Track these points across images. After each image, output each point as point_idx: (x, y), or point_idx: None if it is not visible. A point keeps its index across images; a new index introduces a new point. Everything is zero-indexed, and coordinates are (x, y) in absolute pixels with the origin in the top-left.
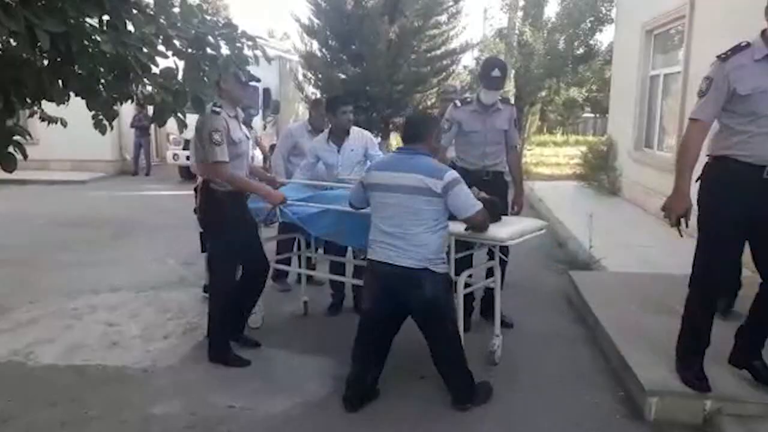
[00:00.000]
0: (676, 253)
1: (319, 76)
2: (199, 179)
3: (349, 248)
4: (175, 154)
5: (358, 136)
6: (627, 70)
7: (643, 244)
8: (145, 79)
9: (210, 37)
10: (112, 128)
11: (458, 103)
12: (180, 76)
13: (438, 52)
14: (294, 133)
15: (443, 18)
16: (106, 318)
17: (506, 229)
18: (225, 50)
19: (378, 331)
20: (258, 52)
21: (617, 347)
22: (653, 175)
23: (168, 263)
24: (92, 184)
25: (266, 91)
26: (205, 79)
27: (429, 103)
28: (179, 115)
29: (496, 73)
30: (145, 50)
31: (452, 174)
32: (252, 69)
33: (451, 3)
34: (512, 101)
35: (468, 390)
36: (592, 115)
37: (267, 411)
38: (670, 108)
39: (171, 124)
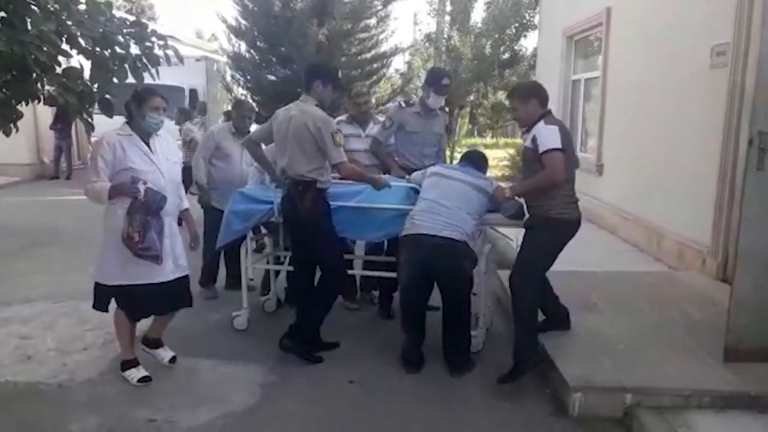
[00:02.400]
0: (594, 251)
1: (248, 77)
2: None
3: None
4: None
5: None
6: (550, 75)
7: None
8: (46, 80)
9: (119, 36)
10: (17, 129)
11: (403, 104)
12: (87, 77)
13: (368, 55)
14: (217, 135)
15: (372, 21)
16: (19, 331)
17: None
18: (135, 50)
19: (417, 301)
20: (170, 52)
21: (543, 345)
22: (576, 175)
23: (88, 272)
24: (7, 189)
25: (192, 92)
26: (114, 79)
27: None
28: (86, 116)
29: (446, 81)
30: (45, 49)
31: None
32: (176, 70)
33: (380, 7)
34: (446, 109)
35: (467, 359)
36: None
37: (189, 423)
38: (591, 111)
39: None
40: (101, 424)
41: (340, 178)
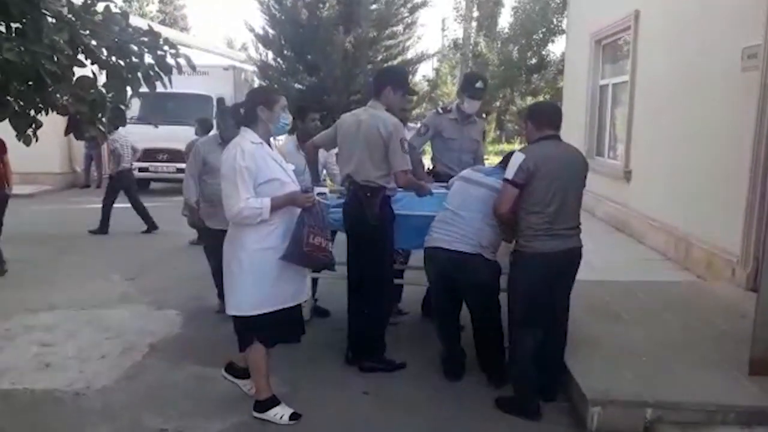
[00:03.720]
0: (620, 260)
1: (275, 86)
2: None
3: None
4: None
5: None
6: (578, 80)
7: (589, 250)
8: (59, 89)
9: (133, 45)
10: (36, 139)
11: (440, 111)
12: (101, 86)
13: (395, 62)
14: (202, 149)
15: (399, 28)
16: (41, 338)
17: None
18: (148, 58)
19: (445, 313)
20: (182, 60)
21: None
22: (603, 182)
23: (112, 279)
24: (39, 197)
25: (220, 100)
26: (128, 88)
27: None
28: (99, 126)
29: (479, 84)
30: (56, 58)
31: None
32: (204, 78)
33: (406, 14)
34: (483, 113)
35: (503, 370)
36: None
37: None
38: (619, 116)
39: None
40: None
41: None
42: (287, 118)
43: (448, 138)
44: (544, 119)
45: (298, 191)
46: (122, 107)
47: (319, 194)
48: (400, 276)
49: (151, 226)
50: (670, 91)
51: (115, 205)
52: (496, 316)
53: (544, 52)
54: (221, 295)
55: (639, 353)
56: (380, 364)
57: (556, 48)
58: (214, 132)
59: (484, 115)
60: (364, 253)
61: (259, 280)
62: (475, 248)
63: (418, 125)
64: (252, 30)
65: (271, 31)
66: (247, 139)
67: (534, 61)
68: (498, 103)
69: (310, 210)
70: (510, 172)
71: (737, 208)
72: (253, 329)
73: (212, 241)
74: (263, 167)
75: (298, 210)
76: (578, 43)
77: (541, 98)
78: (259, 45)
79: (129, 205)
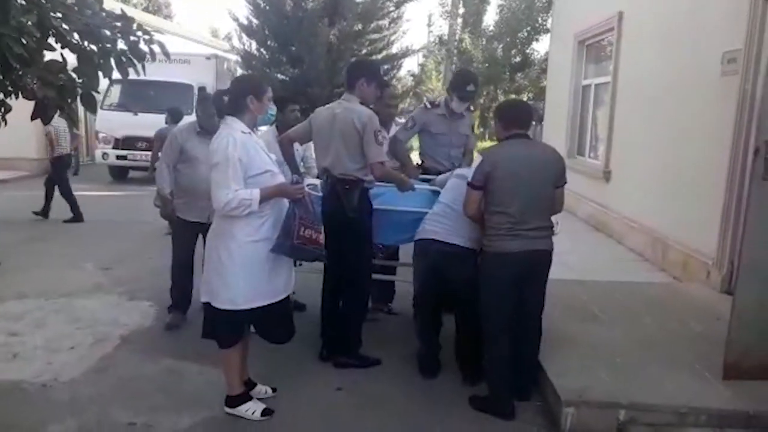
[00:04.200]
0: (599, 260)
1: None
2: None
3: None
4: (104, 153)
5: None
6: (561, 80)
7: (567, 250)
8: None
9: (105, 30)
10: (5, 123)
11: (428, 105)
12: (71, 71)
13: (379, 56)
14: (179, 137)
15: (384, 23)
16: (9, 328)
17: None
18: (121, 44)
19: (431, 308)
20: (155, 47)
21: (537, 357)
22: (583, 181)
23: (85, 268)
24: (13, 183)
25: (202, 89)
26: (100, 74)
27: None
28: (68, 112)
29: (471, 87)
30: (24, 41)
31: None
32: (186, 67)
33: (392, 8)
34: (471, 109)
35: (480, 368)
36: None
37: (170, 428)
38: (600, 117)
39: (100, 121)
40: (80, 427)
41: None
42: (273, 109)
43: (437, 133)
44: (511, 118)
45: (287, 182)
46: (93, 93)
47: (308, 185)
48: (392, 272)
49: (78, 217)
50: (651, 92)
51: (93, 193)
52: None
53: (528, 51)
54: (176, 303)
55: (614, 354)
56: (354, 360)
57: (540, 47)
58: (191, 120)
59: (471, 108)
60: (343, 246)
61: (251, 273)
62: (469, 242)
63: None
64: (236, 19)
65: (255, 21)
66: (236, 129)
67: (518, 59)
68: (482, 101)
69: (301, 201)
70: (470, 174)
71: (714, 210)
72: (243, 324)
73: (184, 234)
74: (255, 158)
75: (287, 201)
76: (562, 42)
77: (524, 97)
78: (243, 35)
79: (108, 193)
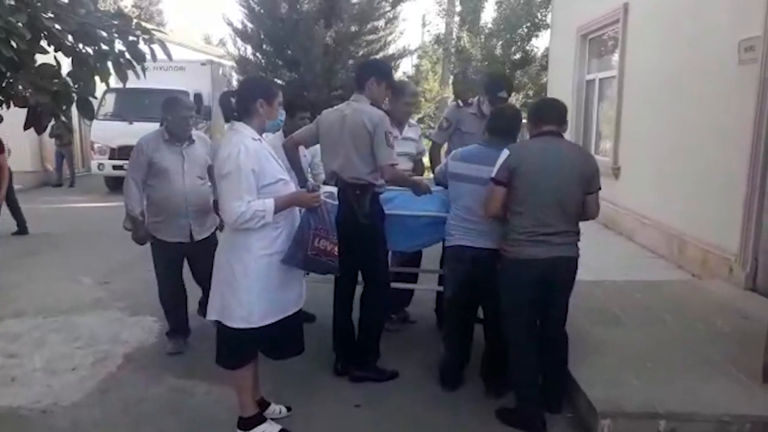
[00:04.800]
0: (612, 259)
1: None
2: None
3: None
4: (100, 164)
5: None
6: (563, 75)
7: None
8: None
9: (101, 30)
10: None
11: (460, 104)
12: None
13: (376, 57)
14: (146, 147)
15: (380, 23)
16: (7, 348)
17: None
18: (119, 45)
19: (462, 315)
20: (156, 47)
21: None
22: None
23: (83, 283)
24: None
25: (197, 96)
26: (97, 78)
27: None
28: (63, 119)
29: (503, 94)
30: (13, 44)
31: None
32: (181, 74)
33: (388, 8)
34: None
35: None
36: None
37: None
38: (606, 112)
39: (95, 131)
40: None
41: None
42: (283, 115)
43: (466, 132)
44: (543, 115)
45: (303, 190)
46: (90, 99)
47: (325, 194)
48: (413, 280)
49: (22, 230)
50: (661, 85)
51: (89, 205)
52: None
53: (528, 48)
54: (175, 329)
55: (644, 359)
56: (372, 373)
57: (540, 43)
58: (158, 127)
59: None
60: (357, 254)
61: (266, 288)
62: (498, 243)
63: (417, 123)
64: (230, 24)
65: (249, 26)
66: (247, 135)
67: (518, 56)
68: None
69: (315, 211)
70: (494, 171)
71: (734, 205)
72: (257, 341)
73: (166, 257)
74: (267, 167)
75: (297, 210)
76: (563, 37)
77: (524, 95)
78: (238, 39)
79: (104, 204)
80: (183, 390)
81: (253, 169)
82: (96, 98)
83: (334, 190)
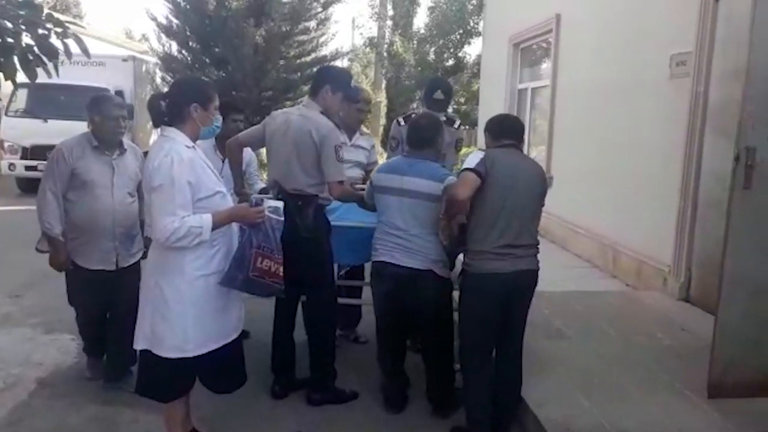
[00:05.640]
0: (547, 268)
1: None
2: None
3: None
4: (11, 164)
5: None
6: (495, 84)
7: None
8: None
9: (6, 21)
10: None
11: (401, 121)
12: None
13: (308, 58)
14: (68, 155)
15: (312, 24)
16: None
17: None
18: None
19: (392, 334)
20: (70, 41)
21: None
22: None
23: None
24: None
25: (119, 93)
26: (0, 75)
27: None
28: None
29: (438, 95)
30: None
31: (452, 179)
32: (100, 70)
33: (320, 9)
34: (457, 122)
35: (450, 396)
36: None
37: None
38: (538, 122)
39: (5, 129)
40: None
41: None
42: (219, 120)
43: None
44: (501, 129)
45: (244, 205)
46: None
47: (269, 208)
48: (358, 294)
49: None
50: (593, 95)
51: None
52: (447, 338)
53: (460, 54)
54: (93, 348)
55: (591, 375)
56: (330, 395)
57: (472, 50)
58: (85, 129)
59: (457, 124)
60: (300, 269)
61: (202, 313)
62: (426, 263)
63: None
64: (154, 19)
65: (175, 21)
66: (180, 142)
67: (451, 62)
68: (415, 105)
69: (259, 227)
70: (471, 163)
71: (667, 216)
72: (191, 372)
73: (84, 287)
74: (203, 178)
75: (235, 226)
76: (495, 45)
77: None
78: (162, 35)
79: (16, 207)
80: (105, 418)
81: (189, 180)
82: (0, 98)
83: (280, 204)
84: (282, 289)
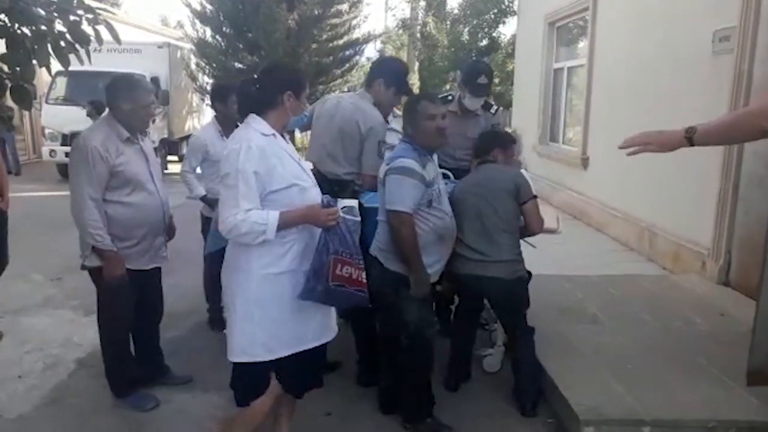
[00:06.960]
0: (583, 252)
1: (214, 65)
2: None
3: None
4: (52, 151)
5: None
6: (530, 63)
7: (550, 240)
8: None
9: (38, 9)
10: None
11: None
12: None
13: (340, 42)
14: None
15: (344, 7)
16: None
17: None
18: (59, 26)
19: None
20: (102, 27)
21: (543, 366)
22: (559, 168)
23: (33, 280)
24: None
25: (154, 80)
26: (34, 62)
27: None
28: None
29: (482, 80)
30: None
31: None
32: (137, 57)
33: None
34: (494, 107)
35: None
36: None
37: None
38: (574, 101)
39: (46, 116)
40: None
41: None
42: (306, 108)
43: (449, 135)
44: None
45: (316, 205)
46: (27, 86)
47: (344, 209)
48: None
49: None
50: (632, 75)
51: (39, 194)
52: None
53: (494, 34)
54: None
55: (624, 361)
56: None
57: (507, 30)
58: (103, 119)
59: (494, 109)
60: None
61: (271, 315)
62: (372, 250)
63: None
64: (188, 5)
65: (209, 7)
66: (256, 130)
67: (485, 42)
68: (448, 86)
69: (334, 231)
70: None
71: (707, 198)
72: (263, 376)
73: (128, 295)
74: (278, 168)
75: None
76: (531, 24)
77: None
78: (197, 21)
79: (56, 193)
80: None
81: (256, 171)
82: (34, 85)
83: (354, 203)
84: (367, 297)
